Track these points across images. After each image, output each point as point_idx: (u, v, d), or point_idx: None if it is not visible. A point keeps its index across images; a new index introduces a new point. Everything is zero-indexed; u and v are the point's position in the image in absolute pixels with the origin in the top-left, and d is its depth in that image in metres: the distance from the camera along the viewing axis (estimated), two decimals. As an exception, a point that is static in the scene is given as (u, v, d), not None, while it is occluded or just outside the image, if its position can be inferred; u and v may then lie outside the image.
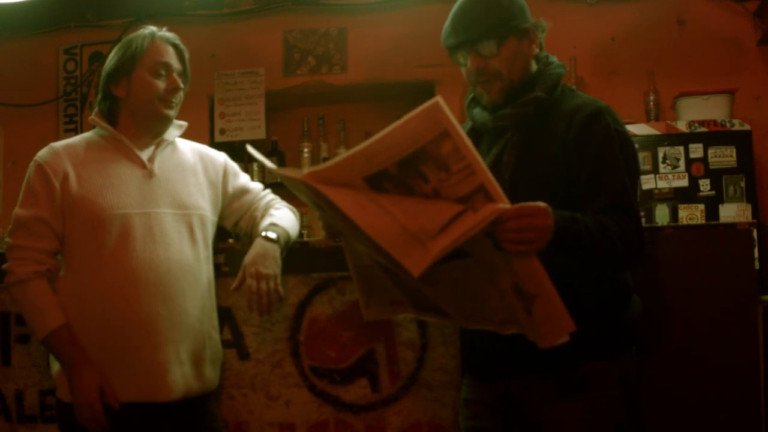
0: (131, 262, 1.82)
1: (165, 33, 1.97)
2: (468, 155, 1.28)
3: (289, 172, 1.33)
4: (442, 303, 1.60)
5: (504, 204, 1.33)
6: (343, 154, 1.29)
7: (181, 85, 1.95)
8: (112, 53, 1.96)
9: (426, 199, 1.32)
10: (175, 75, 1.94)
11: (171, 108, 1.94)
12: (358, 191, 1.31)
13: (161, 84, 1.91)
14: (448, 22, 1.74)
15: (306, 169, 1.29)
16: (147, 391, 1.82)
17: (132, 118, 1.94)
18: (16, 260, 1.85)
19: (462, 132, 1.27)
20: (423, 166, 1.29)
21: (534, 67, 1.75)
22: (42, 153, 1.91)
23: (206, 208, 1.98)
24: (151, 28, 1.96)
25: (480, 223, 1.31)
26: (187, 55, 1.99)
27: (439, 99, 1.25)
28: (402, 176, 1.30)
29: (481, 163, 1.30)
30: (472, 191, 1.31)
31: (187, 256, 1.89)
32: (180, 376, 1.84)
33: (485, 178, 1.31)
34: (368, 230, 1.30)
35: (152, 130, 1.96)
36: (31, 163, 1.90)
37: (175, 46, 1.97)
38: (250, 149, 1.59)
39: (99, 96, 1.98)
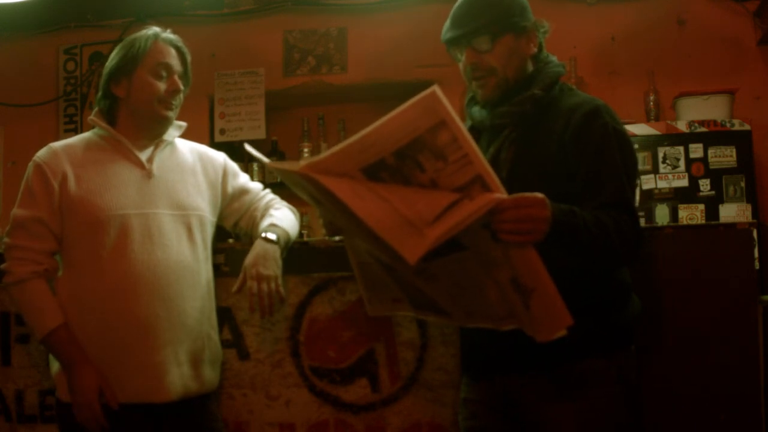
0: (129, 263, 1.82)
1: (168, 35, 1.97)
2: (465, 145, 1.28)
3: (286, 165, 1.33)
4: (441, 300, 1.60)
5: (501, 194, 1.33)
6: (341, 143, 1.29)
7: (181, 87, 1.95)
8: (114, 52, 1.96)
9: (423, 188, 1.32)
10: (176, 77, 1.94)
11: (170, 110, 1.94)
12: (355, 181, 1.31)
13: (162, 85, 1.91)
14: (448, 17, 1.75)
15: (303, 161, 1.29)
16: (145, 392, 1.82)
17: (131, 118, 1.94)
18: (14, 260, 1.85)
19: (459, 122, 1.27)
20: (420, 155, 1.29)
21: (530, 67, 1.75)
22: (41, 153, 1.91)
23: (205, 208, 1.98)
24: (155, 29, 1.96)
25: (477, 212, 1.31)
26: (189, 58, 1.99)
27: (436, 88, 1.25)
28: (399, 166, 1.30)
29: (479, 153, 1.30)
30: (469, 181, 1.31)
31: (185, 257, 1.89)
32: (178, 377, 1.84)
33: (482, 168, 1.31)
34: (365, 218, 1.30)
35: (151, 131, 1.95)
36: (30, 164, 1.90)
37: (178, 48, 1.97)
38: (248, 147, 1.59)
39: (99, 94, 1.98)
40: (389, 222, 1.31)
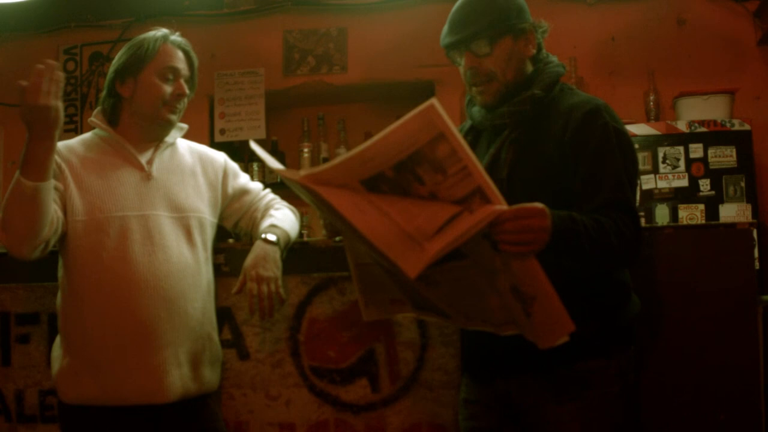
0: (130, 265, 1.82)
1: (177, 38, 1.96)
2: (464, 157, 1.28)
3: (287, 173, 1.33)
4: (441, 304, 1.60)
5: (501, 206, 1.33)
6: (340, 157, 1.29)
7: (187, 91, 1.95)
8: (122, 51, 1.95)
9: (423, 200, 1.32)
10: (182, 81, 1.93)
11: (174, 113, 1.93)
12: (355, 193, 1.31)
13: (168, 88, 1.91)
14: (447, 22, 1.75)
15: (303, 171, 1.29)
16: (145, 394, 1.82)
17: (134, 119, 1.94)
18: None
19: (458, 134, 1.27)
20: (419, 168, 1.29)
21: (530, 68, 1.75)
22: None
23: (204, 210, 1.98)
24: (164, 31, 1.95)
25: (477, 225, 1.31)
26: (196, 63, 1.98)
27: (434, 101, 1.25)
28: (398, 179, 1.30)
29: (478, 165, 1.30)
30: (468, 193, 1.30)
31: (186, 259, 1.89)
32: (178, 378, 1.84)
33: (482, 180, 1.30)
34: (365, 232, 1.30)
35: (152, 134, 1.95)
36: None
37: (186, 52, 1.96)
38: (254, 146, 1.59)
39: (104, 93, 1.97)
40: (389, 236, 1.31)
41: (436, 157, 1.28)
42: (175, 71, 1.92)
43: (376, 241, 1.30)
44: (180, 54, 1.94)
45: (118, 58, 1.95)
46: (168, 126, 1.95)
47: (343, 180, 1.30)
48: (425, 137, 1.26)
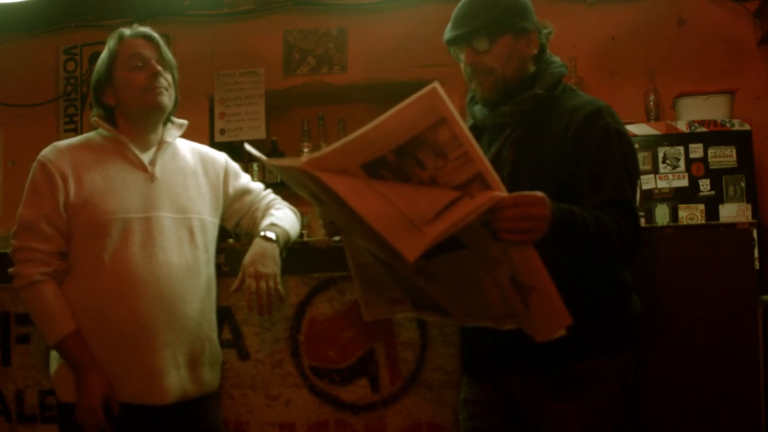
0: (131, 266, 1.82)
1: (134, 29, 1.96)
2: (465, 142, 1.28)
3: (286, 162, 1.33)
4: (441, 299, 1.60)
5: (501, 192, 1.33)
6: (341, 140, 1.29)
7: (159, 68, 1.92)
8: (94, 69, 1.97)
9: (423, 185, 1.32)
10: (152, 62, 1.92)
11: (160, 94, 1.91)
12: (355, 178, 1.31)
13: (140, 75, 1.90)
14: (451, 18, 1.76)
15: (305, 157, 1.29)
16: (143, 395, 1.82)
17: (128, 119, 1.94)
18: (22, 263, 1.84)
19: (460, 119, 1.27)
20: (420, 152, 1.29)
21: (532, 68, 1.75)
22: (46, 152, 1.90)
23: (206, 211, 1.98)
24: (120, 30, 1.96)
25: (476, 210, 1.31)
26: (160, 42, 1.97)
27: (436, 85, 1.25)
28: (399, 163, 1.30)
29: (479, 151, 1.30)
30: (469, 179, 1.30)
31: (187, 260, 1.89)
32: (176, 380, 1.84)
33: (482, 165, 1.30)
34: (365, 215, 1.30)
35: (149, 125, 1.94)
36: (35, 163, 1.89)
37: (146, 37, 1.96)
38: (248, 147, 1.59)
39: (94, 108, 1.99)
40: (389, 220, 1.31)
41: (438, 142, 1.27)
42: (141, 57, 1.92)
43: (375, 224, 1.30)
44: (139, 41, 1.94)
45: (93, 73, 1.96)
46: (159, 109, 1.93)
47: (344, 165, 1.29)
48: (427, 121, 1.26)
